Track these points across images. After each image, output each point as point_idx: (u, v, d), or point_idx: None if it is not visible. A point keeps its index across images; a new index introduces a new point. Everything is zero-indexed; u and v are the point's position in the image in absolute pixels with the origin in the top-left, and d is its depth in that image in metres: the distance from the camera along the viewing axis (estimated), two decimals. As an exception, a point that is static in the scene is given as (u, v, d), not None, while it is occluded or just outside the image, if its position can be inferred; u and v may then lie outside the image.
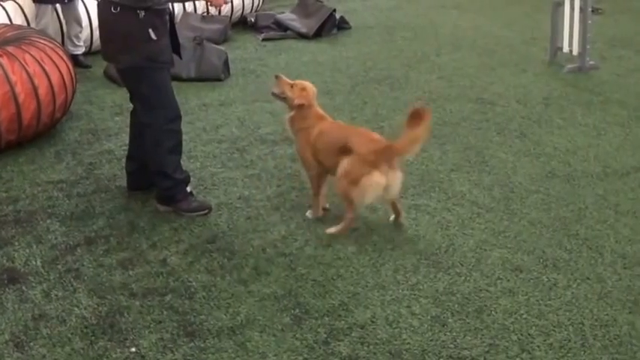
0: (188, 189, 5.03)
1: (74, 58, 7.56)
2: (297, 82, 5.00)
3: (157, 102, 4.78)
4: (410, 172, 5.36)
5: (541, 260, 4.41)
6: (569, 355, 3.61)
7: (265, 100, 7.09)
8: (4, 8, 7.80)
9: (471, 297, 4.06)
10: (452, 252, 4.51)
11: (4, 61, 5.75)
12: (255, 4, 10.49)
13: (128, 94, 5.05)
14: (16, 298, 4.08)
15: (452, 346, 3.67)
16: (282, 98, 4.99)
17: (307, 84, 4.99)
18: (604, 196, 5.19)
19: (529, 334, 3.75)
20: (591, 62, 8.01)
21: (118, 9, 4.58)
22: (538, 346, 3.67)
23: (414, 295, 4.08)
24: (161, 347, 3.68)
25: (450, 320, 3.86)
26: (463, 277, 4.25)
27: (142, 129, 4.89)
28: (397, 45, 9.20)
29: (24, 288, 4.17)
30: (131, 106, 5.08)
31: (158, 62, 4.71)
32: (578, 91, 7.39)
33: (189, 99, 7.11)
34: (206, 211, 4.97)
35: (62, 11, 8.04)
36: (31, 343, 3.71)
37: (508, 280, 4.21)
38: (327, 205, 4.99)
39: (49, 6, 7.86)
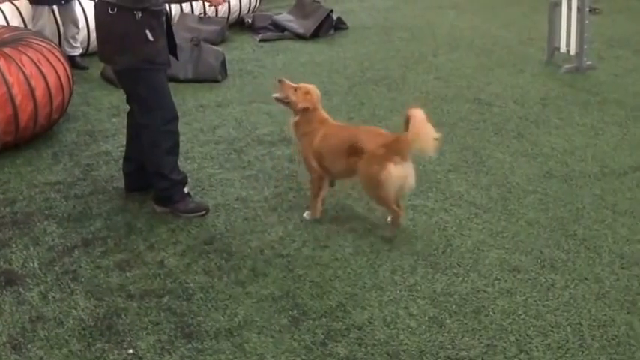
0: (185, 190, 5.02)
1: (71, 60, 7.55)
2: (301, 85, 4.92)
3: (154, 103, 4.77)
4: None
5: (539, 260, 4.41)
6: (567, 355, 3.61)
7: (262, 101, 7.10)
8: (0, 10, 7.79)
9: (469, 297, 4.06)
10: (449, 252, 4.51)
11: (1, 62, 5.74)
12: (253, 5, 10.49)
13: (125, 96, 5.04)
14: (14, 300, 4.08)
15: (450, 346, 3.67)
16: (286, 102, 4.92)
17: (311, 87, 4.93)
18: (601, 196, 5.19)
19: (527, 335, 3.75)
20: (589, 62, 8.01)
21: (115, 10, 4.57)
22: (536, 347, 3.67)
23: (412, 295, 4.08)
24: (159, 349, 3.67)
25: (447, 321, 3.86)
26: (461, 278, 4.25)
27: (140, 130, 4.89)
28: (394, 45, 9.20)
29: (21, 290, 4.17)
30: (128, 107, 5.08)
31: (155, 63, 4.71)
32: (576, 91, 7.39)
33: (186, 100, 7.11)
34: (203, 213, 4.97)
35: (59, 12, 8.02)
36: (29, 345, 3.71)
37: (506, 281, 4.21)
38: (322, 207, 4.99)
39: (46, 7, 7.85)
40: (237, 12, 10.16)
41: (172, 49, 4.89)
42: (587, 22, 7.83)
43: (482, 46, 9.08)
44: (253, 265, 4.39)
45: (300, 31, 9.66)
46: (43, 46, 6.24)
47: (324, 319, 3.88)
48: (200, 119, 6.69)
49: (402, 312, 3.94)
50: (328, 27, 9.76)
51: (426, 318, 3.89)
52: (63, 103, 6.27)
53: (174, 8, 9.09)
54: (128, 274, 4.31)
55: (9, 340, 3.74)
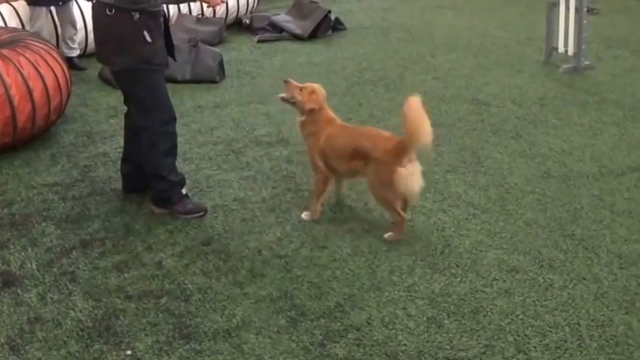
0: (183, 191, 5.02)
1: (69, 61, 7.55)
2: (307, 84, 4.94)
3: (152, 104, 4.77)
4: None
5: (537, 261, 4.41)
6: (566, 355, 3.61)
7: (260, 102, 7.10)
8: (-2, 11, 7.79)
9: (467, 298, 4.06)
10: (448, 253, 4.51)
11: (-1, 63, 5.75)
12: (250, 6, 10.49)
13: (123, 97, 5.03)
14: (12, 302, 4.07)
15: (448, 347, 3.67)
16: (292, 103, 4.92)
17: (316, 86, 4.95)
18: (600, 197, 5.20)
19: (525, 335, 3.75)
20: (587, 62, 8.02)
21: (113, 11, 4.57)
22: (534, 347, 3.67)
23: (410, 296, 4.08)
24: (157, 350, 3.67)
25: (446, 321, 3.86)
26: (459, 278, 4.24)
27: (137, 131, 4.89)
28: (392, 46, 9.19)
29: (19, 291, 4.17)
30: (126, 108, 5.07)
31: (153, 64, 4.71)
32: (574, 91, 7.40)
33: (184, 101, 7.10)
34: (201, 214, 4.96)
35: (57, 14, 8.02)
36: (27, 347, 3.70)
37: (504, 281, 4.21)
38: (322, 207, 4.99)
39: (44, 8, 7.85)
40: (235, 13, 10.15)
41: (170, 50, 4.89)
42: (585, 22, 7.84)
43: (480, 47, 9.08)
44: (251, 266, 4.39)
45: (298, 31, 9.65)
46: (41, 48, 6.24)
47: (323, 320, 3.88)
48: (198, 120, 6.69)
49: (401, 312, 3.94)
50: (326, 27, 9.75)
51: (425, 318, 3.89)
52: (61, 105, 6.26)
53: (172, 9, 9.09)
54: (126, 275, 4.31)
55: (7, 342, 3.74)
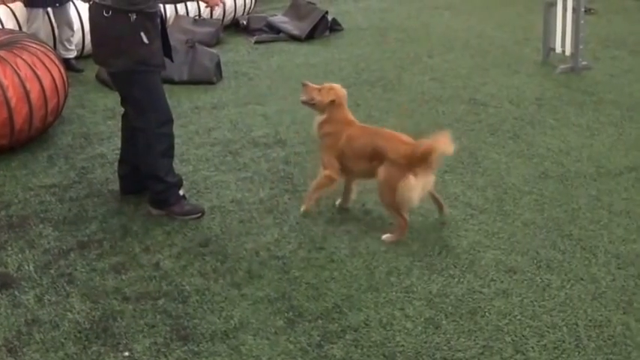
0: (181, 192, 5.02)
1: (66, 62, 7.54)
2: (325, 84, 4.97)
3: (149, 105, 4.77)
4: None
5: (535, 261, 4.41)
6: (564, 355, 3.61)
7: (258, 103, 7.11)
8: (-5, 13, 7.79)
9: (465, 298, 4.06)
10: (445, 254, 4.50)
11: (-4, 65, 5.74)
12: (248, 7, 10.49)
13: (120, 98, 5.03)
14: (9, 304, 4.06)
15: (446, 348, 3.67)
16: (312, 104, 4.94)
17: (335, 85, 4.98)
18: (597, 197, 5.20)
19: (523, 336, 3.75)
20: (584, 62, 8.02)
21: (110, 13, 4.56)
22: (532, 347, 3.66)
23: (408, 297, 4.08)
24: (154, 351, 3.66)
25: (443, 322, 3.86)
26: (457, 279, 4.24)
27: (134, 133, 4.88)
28: (390, 47, 9.19)
29: (17, 293, 4.16)
30: (123, 109, 5.07)
31: (150, 66, 4.70)
32: (571, 91, 7.40)
33: (181, 102, 7.10)
34: (199, 215, 4.96)
35: (54, 15, 8.02)
36: (25, 349, 3.70)
37: (502, 282, 4.21)
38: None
39: (41, 10, 7.84)
40: (232, 14, 10.15)
41: (167, 51, 4.88)
42: (582, 22, 7.84)
43: (477, 47, 9.08)
44: (249, 267, 4.38)
45: (296, 32, 9.65)
46: (38, 49, 6.23)
47: (320, 321, 3.87)
48: (195, 121, 6.69)
49: (398, 313, 3.93)
50: (323, 28, 9.76)
51: (422, 319, 3.88)
52: (58, 106, 6.26)
53: (169, 10, 9.09)
54: (124, 276, 4.30)
55: (4, 344, 3.73)
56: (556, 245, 4.59)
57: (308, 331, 3.80)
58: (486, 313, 3.92)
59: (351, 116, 4.97)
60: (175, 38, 7.17)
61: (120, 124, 5.23)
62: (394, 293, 4.11)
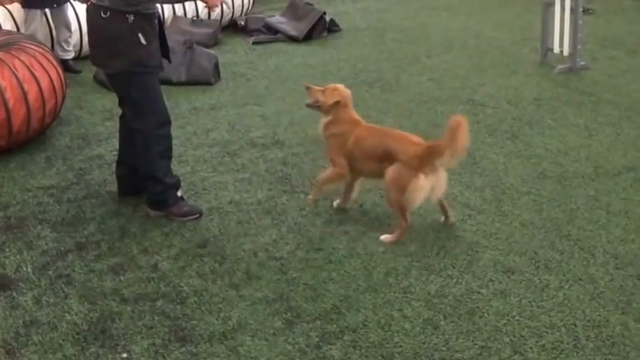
0: (179, 193, 5.01)
1: (64, 63, 7.54)
2: (328, 85, 4.95)
3: (147, 107, 4.76)
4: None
5: (533, 261, 4.41)
6: (562, 356, 3.60)
7: (256, 104, 7.11)
8: (-7, 13, 7.79)
9: (463, 299, 4.06)
10: (444, 254, 4.50)
11: (-7, 66, 5.74)
12: (245, 8, 10.49)
13: (118, 99, 5.03)
14: (7, 305, 4.06)
15: (444, 348, 3.67)
16: (317, 107, 4.92)
17: (339, 85, 4.96)
18: (595, 197, 5.20)
19: (521, 336, 3.75)
20: (582, 63, 8.03)
21: (108, 14, 4.56)
22: (530, 348, 3.66)
23: (406, 297, 4.08)
24: (153, 353, 3.66)
25: (442, 323, 3.86)
26: (455, 280, 4.24)
27: (133, 134, 4.88)
28: (388, 47, 9.20)
29: (15, 294, 4.15)
30: (121, 110, 5.06)
31: (148, 67, 4.70)
32: (569, 91, 7.40)
33: (179, 103, 7.10)
34: (197, 216, 4.96)
35: (51, 16, 8.02)
36: (23, 350, 3.69)
37: (500, 282, 4.21)
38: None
39: (38, 11, 7.84)
40: (230, 14, 10.16)
41: (165, 52, 4.88)
42: (580, 22, 7.86)
43: (475, 47, 9.09)
44: (247, 268, 4.38)
45: (293, 33, 9.66)
46: (36, 50, 6.23)
47: (318, 322, 3.87)
48: (193, 122, 6.68)
49: (397, 314, 3.93)
50: (321, 29, 9.77)
51: (421, 320, 3.88)
52: (56, 107, 6.26)
53: (167, 11, 9.09)
54: (122, 278, 4.30)
55: (3, 345, 3.72)
56: (554, 245, 4.59)
57: (306, 332, 3.79)
58: (485, 314, 3.92)
59: (357, 116, 4.95)
60: (173, 39, 7.17)
61: (118, 126, 5.22)
62: (392, 294, 4.11)
